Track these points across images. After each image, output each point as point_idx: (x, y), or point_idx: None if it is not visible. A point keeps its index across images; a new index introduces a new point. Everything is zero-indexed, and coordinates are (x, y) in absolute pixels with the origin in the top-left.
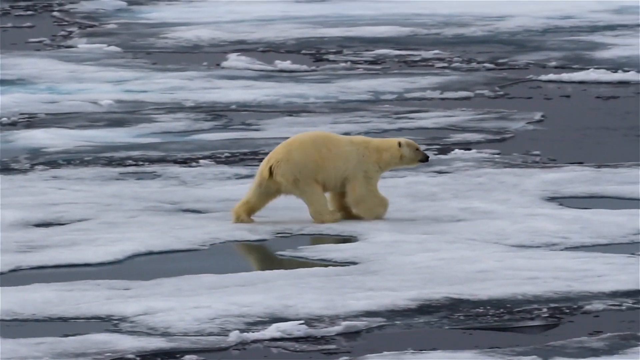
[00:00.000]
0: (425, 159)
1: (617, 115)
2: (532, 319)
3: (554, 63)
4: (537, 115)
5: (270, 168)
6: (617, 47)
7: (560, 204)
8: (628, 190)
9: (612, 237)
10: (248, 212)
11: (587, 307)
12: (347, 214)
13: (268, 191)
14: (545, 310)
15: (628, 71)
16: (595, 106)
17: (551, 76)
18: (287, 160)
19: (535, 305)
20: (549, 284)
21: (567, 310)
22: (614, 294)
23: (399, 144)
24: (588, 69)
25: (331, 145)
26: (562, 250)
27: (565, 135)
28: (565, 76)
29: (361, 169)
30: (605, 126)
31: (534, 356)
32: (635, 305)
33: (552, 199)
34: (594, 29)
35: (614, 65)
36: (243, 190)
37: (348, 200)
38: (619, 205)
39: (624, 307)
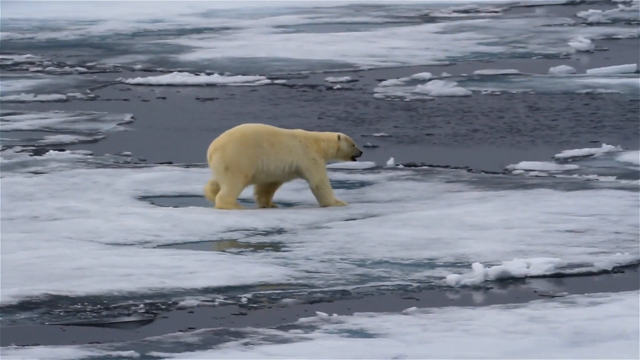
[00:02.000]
0: (359, 154)
1: (209, 115)
2: (129, 314)
3: (140, 66)
4: (127, 117)
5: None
6: (202, 49)
7: (152, 203)
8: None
9: (202, 234)
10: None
11: (182, 303)
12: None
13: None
14: (141, 306)
15: (211, 74)
16: (188, 107)
17: (139, 79)
18: (223, 151)
19: (132, 302)
20: (144, 280)
21: (163, 306)
22: (206, 290)
23: (338, 137)
24: (172, 71)
25: (274, 139)
26: (154, 247)
27: (154, 136)
28: (152, 79)
29: (309, 157)
30: (198, 127)
31: (132, 351)
32: (227, 301)
33: (143, 198)
34: (182, 32)
35: (197, 68)
36: None
37: (310, 187)
38: (207, 204)
39: (216, 303)
